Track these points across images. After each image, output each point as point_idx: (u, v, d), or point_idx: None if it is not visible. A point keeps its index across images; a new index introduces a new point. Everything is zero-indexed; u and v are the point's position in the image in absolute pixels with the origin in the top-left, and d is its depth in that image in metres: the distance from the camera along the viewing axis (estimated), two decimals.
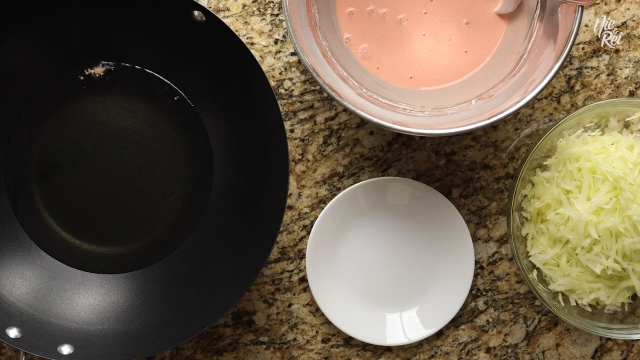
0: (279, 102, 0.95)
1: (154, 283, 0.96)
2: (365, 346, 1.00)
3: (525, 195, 0.97)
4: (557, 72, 0.89)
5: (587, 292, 0.95)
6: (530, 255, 0.96)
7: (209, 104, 0.96)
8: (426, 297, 1.00)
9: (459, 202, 1.00)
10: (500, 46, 0.97)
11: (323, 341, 1.00)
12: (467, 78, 0.97)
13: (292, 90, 1.00)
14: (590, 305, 0.96)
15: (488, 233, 1.01)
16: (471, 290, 1.00)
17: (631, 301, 0.97)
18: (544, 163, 0.96)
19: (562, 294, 0.96)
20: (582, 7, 0.89)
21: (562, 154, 0.95)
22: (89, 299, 0.95)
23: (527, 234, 0.97)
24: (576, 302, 0.96)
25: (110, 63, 0.96)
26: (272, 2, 0.99)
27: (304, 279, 1.00)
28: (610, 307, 0.96)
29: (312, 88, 1.00)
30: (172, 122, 0.97)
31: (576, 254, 0.93)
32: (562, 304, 0.96)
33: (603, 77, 1.00)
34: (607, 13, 1.00)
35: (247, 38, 0.99)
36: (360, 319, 0.99)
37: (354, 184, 0.99)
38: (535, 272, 0.96)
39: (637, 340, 1.00)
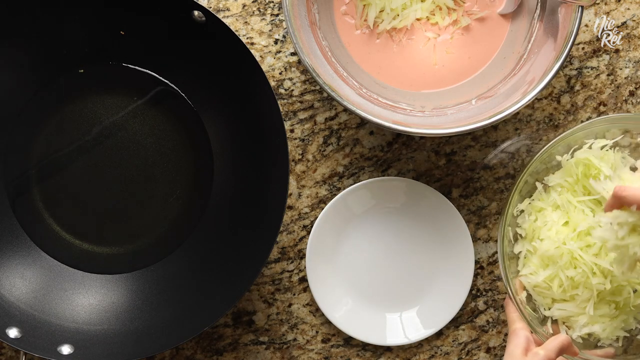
0: (279, 102, 0.95)
1: (154, 283, 0.96)
2: (365, 346, 1.00)
3: (522, 211, 0.94)
4: (557, 72, 0.89)
5: (580, 325, 0.91)
6: (521, 276, 0.93)
7: (209, 104, 0.96)
8: (426, 297, 1.00)
9: (459, 202, 1.00)
10: (502, 47, 0.97)
11: (323, 341, 1.00)
12: (469, 80, 0.97)
13: (292, 90, 1.00)
14: (582, 338, 0.92)
15: (488, 233, 1.00)
16: (471, 290, 1.00)
17: (627, 334, 0.93)
18: (543, 179, 0.94)
19: (552, 320, 0.93)
20: (582, 7, 0.89)
21: (560, 172, 0.93)
22: (89, 299, 0.95)
23: (520, 252, 0.94)
24: (566, 332, 0.92)
25: (111, 63, 0.96)
26: (272, 2, 0.99)
27: (304, 279, 1.00)
28: (605, 342, 0.92)
29: (312, 88, 1.00)
30: (172, 122, 0.97)
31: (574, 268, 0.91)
32: (551, 332, 0.92)
33: (603, 77, 1.00)
34: (607, 13, 1.00)
35: (247, 38, 0.99)
36: (360, 319, 0.99)
37: (354, 184, 0.99)
38: (524, 295, 0.93)
39: None
